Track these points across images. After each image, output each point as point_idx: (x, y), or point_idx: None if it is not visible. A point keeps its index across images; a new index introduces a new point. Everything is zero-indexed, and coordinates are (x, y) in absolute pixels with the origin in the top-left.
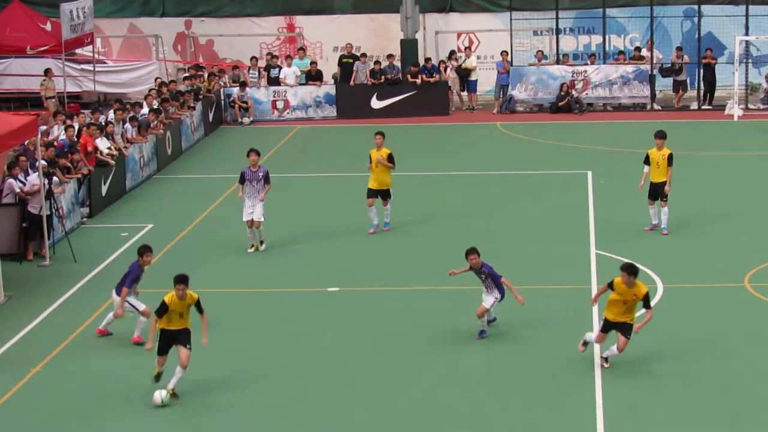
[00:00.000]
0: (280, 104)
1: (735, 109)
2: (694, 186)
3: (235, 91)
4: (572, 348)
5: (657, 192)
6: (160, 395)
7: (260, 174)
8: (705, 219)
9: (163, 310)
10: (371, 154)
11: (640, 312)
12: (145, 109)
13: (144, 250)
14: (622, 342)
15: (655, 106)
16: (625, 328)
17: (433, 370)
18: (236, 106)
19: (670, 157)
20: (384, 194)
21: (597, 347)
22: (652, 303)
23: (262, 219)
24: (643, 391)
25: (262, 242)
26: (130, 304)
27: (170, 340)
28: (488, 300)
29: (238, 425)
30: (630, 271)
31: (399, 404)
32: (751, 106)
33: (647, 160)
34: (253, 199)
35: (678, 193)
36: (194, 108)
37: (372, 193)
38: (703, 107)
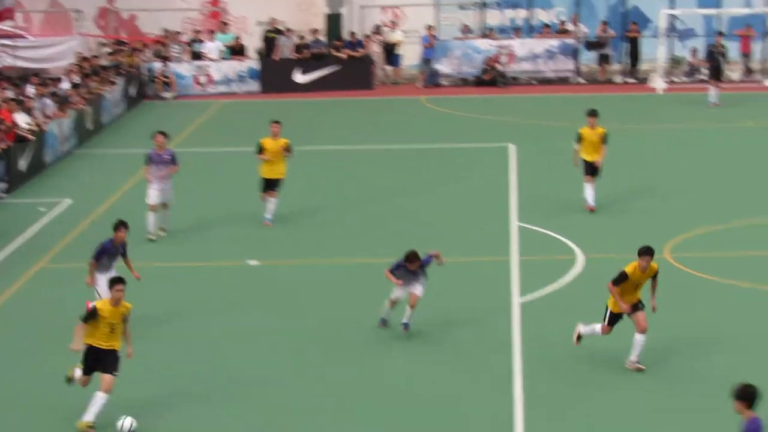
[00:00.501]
0: (202, 79)
1: (659, 82)
2: (616, 159)
3: (158, 65)
4: (494, 319)
5: (594, 169)
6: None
7: (167, 156)
8: (627, 192)
9: (91, 316)
10: (263, 144)
11: None
12: (66, 84)
13: (118, 225)
14: (642, 318)
15: (580, 80)
16: (636, 306)
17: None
18: (158, 80)
19: (605, 136)
20: (276, 184)
21: (579, 328)
22: (573, 276)
23: (171, 201)
24: (563, 365)
25: (163, 230)
26: (97, 291)
27: (96, 361)
28: (418, 288)
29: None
30: (651, 254)
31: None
32: (674, 79)
33: (579, 139)
34: (161, 182)
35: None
36: (115, 83)
37: (267, 185)
38: (627, 80)
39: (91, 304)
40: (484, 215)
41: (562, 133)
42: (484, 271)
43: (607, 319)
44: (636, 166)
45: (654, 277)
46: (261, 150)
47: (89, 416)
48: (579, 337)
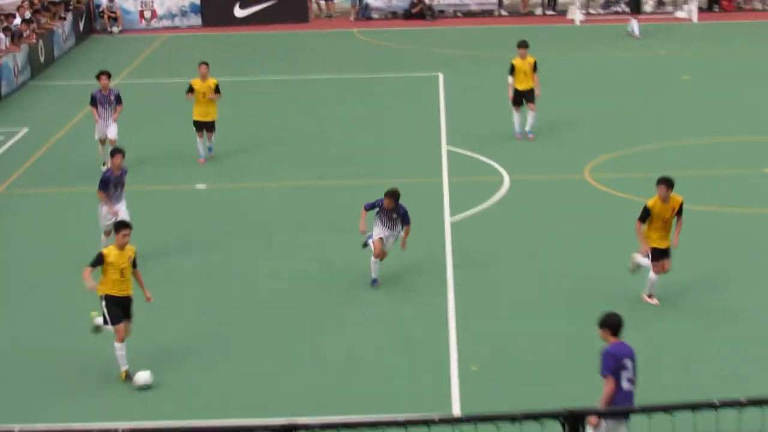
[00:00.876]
0: (147, 14)
1: (577, 14)
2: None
3: (104, 1)
4: (427, 235)
5: (524, 98)
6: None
7: (112, 96)
8: (549, 118)
9: (98, 261)
10: (193, 84)
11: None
12: (18, 20)
13: (113, 153)
14: (666, 263)
15: (502, 12)
16: (667, 252)
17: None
18: (105, 16)
19: (535, 64)
20: (210, 126)
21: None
22: (500, 196)
23: (116, 137)
24: (491, 279)
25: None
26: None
27: (121, 309)
28: (390, 240)
29: None
30: (669, 183)
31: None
32: (591, 11)
33: (512, 71)
34: (107, 119)
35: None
36: (65, 18)
37: (199, 126)
38: (546, 12)
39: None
40: (416, 141)
41: (487, 63)
42: (418, 191)
43: (650, 258)
44: (557, 95)
45: (679, 211)
46: (190, 89)
47: (124, 366)
48: (636, 266)
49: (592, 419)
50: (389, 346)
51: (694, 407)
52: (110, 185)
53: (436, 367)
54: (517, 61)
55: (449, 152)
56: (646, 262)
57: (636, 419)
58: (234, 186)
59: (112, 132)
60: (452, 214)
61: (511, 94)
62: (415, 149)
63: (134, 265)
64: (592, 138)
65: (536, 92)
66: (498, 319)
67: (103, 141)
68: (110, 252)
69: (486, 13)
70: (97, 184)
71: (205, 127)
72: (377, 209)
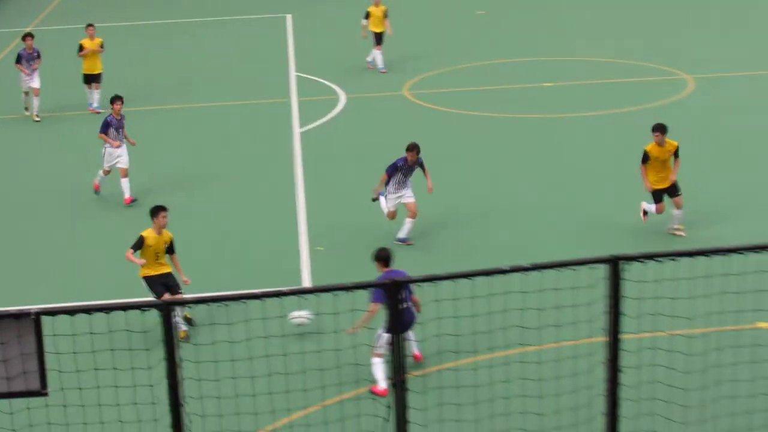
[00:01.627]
0: None
1: None
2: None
3: None
4: (279, 144)
5: (378, 38)
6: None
7: (35, 54)
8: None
9: (138, 244)
10: (83, 44)
11: None
12: None
13: (113, 99)
14: (681, 200)
15: None
16: (674, 189)
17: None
18: None
19: (386, 12)
20: (97, 78)
21: (643, 205)
22: (337, 111)
23: (39, 87)
24: (333, 176)
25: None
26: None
27: (163, 285)
28: (409, 194)
29: None
30: (663, 129)
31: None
32: None
33: (367, 16)
34: (32, 72)
35: (350, 30)
36: None
37: (88, 79)
38: None
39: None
40: (268, 69)
41: (333, 5)
42: (273, 109)
43: (654, 197)
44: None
45: (676, 153)
46: (81, 48)
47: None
48: (645, 213)
49: (349, 329)
50: (253, 237)
51: (487, 273)
52: (110, 128)
53: (290, 251)
54: (372, 8)
55: (298, 77)
56: (651, 207)
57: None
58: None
59: (35, 83)
60: (301, 126)
61: (365, 34)
62: (266, 75)
63: (172, 250)
64: (411, 63)
65: (388, 32)
66: (338, 206)
67: (27, 92)
68: (149, 235)
69: None
70: (99, 127)
71: (94, 78)
72: (397, 171)
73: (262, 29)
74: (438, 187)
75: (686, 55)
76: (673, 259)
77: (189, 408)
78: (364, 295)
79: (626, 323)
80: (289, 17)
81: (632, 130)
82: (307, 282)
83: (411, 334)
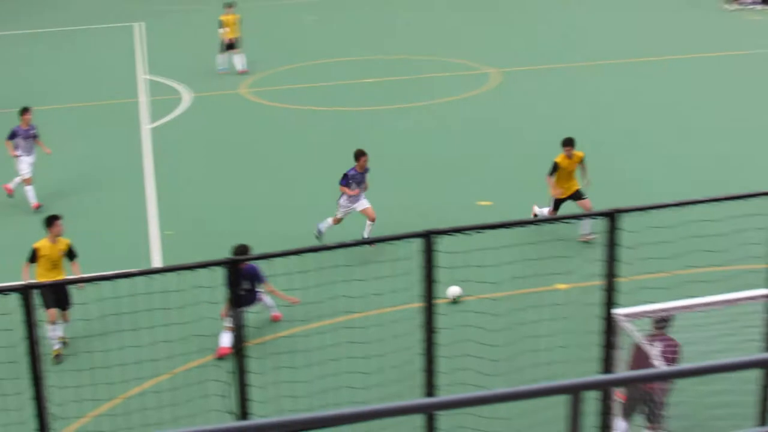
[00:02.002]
0: None
1: None
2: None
3: None
4: (130, 140)
5: (232, 45)
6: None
7: None
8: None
9: (32, 257)
10: None
11: None
12: None
13: (22, 111)
14: (588, 203)
15: None
16: (579, 194)
17: None
18: None
19: (240, 20)
20: None
21: (534, 209)
22: (183, 109)
23: None
24: (181, 167)
25: None
26: (19, 166)
27: (54, 299)
28: (364, 200)
29: None
30: (572, 144)
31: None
32: None
33: (221, 25)
34: None
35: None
36: None
37: None
38: None
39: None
40: (117, 72)
41: (178, 16)
42: (124, 109)
43: (552, 204)
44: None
45: (581, 162)
46: None
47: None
48: (535, 215)
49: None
50: (106, 224)
51: (316, 250)
52: (18, 137)
53: (142, 236)
54: (224, 17)
55: (148, 80)
56: (543, 211)
57: None
58: None
59: None
60: (151, 121)
61: (224, 40)
62: (115, 77)
63: (72, 255)
64: (249, 65)
65: (234, 39)
66: (185, 195)
67: None
68: (43, 245)
69: None
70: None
71: None
72: (349, 179)
73: (111, 38)
74: (267, 175)
75: (489, 51)
76: (479, 232)
77: (49, 381)
78: (204, 273)
79: (440, 290)
80: (136, 25)
81: (443, 120)
82: (157, 263)
83: (268, 300)
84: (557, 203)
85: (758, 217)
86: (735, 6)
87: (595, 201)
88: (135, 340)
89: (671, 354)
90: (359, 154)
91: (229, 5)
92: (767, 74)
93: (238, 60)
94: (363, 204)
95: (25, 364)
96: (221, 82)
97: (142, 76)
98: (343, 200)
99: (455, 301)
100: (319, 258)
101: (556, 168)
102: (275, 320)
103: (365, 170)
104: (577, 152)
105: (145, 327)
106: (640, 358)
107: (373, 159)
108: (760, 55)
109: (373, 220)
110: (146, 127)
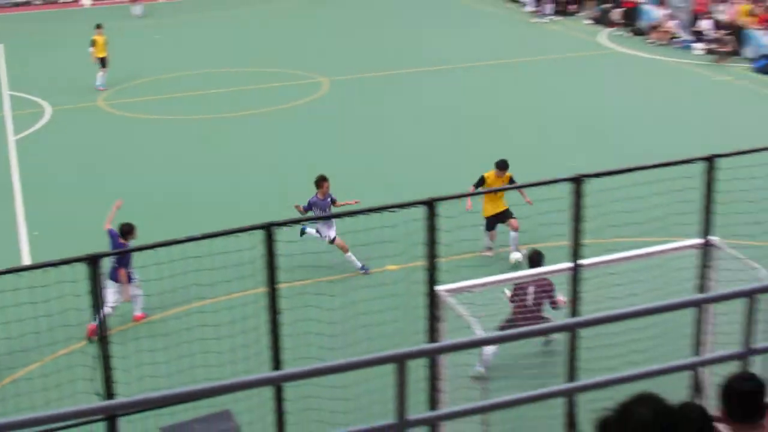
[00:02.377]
0: None
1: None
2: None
3: None
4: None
5: (102, 61)
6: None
7: None
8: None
9: None
10: None
11: None
12: None
13: None
14: (515, 222)
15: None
16: (507, 213)
17: None
18: None
19: (106, 41)
20: None
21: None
22: (45, 121)
23: None
24: (45, 174)
25: None
26: None
27: None
28: (332, 231)
29: None
30: (504, 166)
31: None
32: None
33: (93, 44)
34: None
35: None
36: None
37: None
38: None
39: None
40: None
41: (40, 36)
42: None
43: (486, 225)
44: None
45: (511, 181)
46: None
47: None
48: (490, 249)
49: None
50: None
51: (181, 241)
52: None
53: (10, 236)
54: (96, 37)
55: (11, 95)
56: (486, 239)
57: None
58: None
59: None
60: (15, 133)
61: (94, 59)
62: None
63: None
64: (111, 78)
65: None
66: (51, 198)
67: None
68: None
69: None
70: None
71: None
72: (311, 205)
73: None
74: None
75: (322, 61)
76: (314, 222)
77: None
78: (67, 269)
79: (281, 275)
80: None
81: (286, 125)
82: (26, 261)
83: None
84: (490, 224)
85: (559, 201)
86: (536, 19)
87: (418, 192)
88: (6, 333)
89: (546, 290)
90: (321, 180)
91: (99, 26)
92: (569, 74)
93: (100, 77)
94: (332, 235)
95: None
96: (80, 95)
97: (6, 92)
98: (319, 226)
99: (515, 265)
100: (170, 251)
101: (482, 182)
102: (137, 321)
103: (327, 197)
104: (508, 173)
105: (15, 320)
106: (519, 296)
107: (220, 164)
108: (562, 59)
109: (347, 252)
110: (11, 138)
